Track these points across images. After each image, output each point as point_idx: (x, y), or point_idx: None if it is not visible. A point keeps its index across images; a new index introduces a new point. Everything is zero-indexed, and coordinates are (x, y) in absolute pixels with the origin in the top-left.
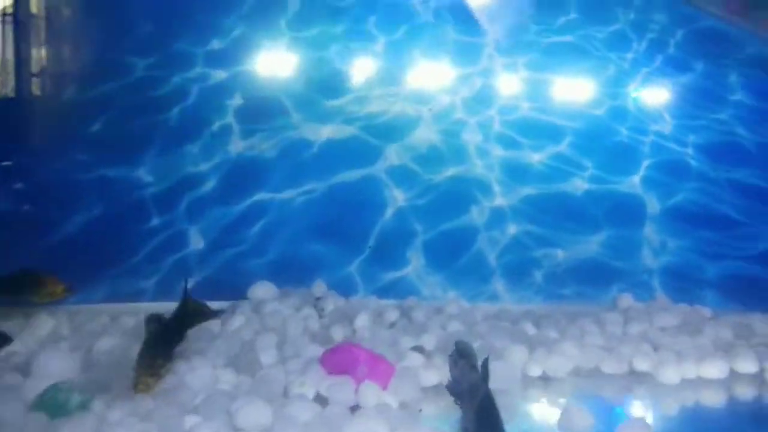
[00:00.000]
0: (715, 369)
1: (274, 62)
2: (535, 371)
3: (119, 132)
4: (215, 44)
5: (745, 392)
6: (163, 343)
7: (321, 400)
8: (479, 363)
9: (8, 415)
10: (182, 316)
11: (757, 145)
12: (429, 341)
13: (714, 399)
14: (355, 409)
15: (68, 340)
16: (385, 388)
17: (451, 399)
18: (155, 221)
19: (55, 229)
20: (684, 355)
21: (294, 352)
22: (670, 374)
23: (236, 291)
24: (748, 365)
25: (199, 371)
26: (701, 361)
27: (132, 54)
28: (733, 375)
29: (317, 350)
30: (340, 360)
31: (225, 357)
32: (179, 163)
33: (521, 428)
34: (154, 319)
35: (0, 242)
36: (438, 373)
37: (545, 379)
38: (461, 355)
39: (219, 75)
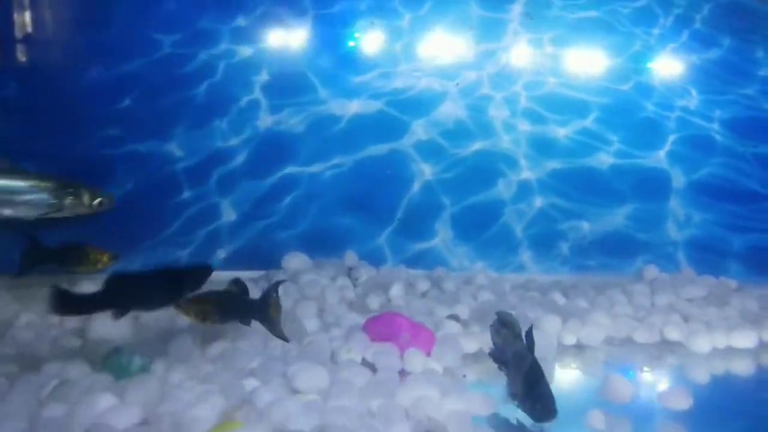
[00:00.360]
0: (744, 339)
1: (298, 39)
2: (570, 340)
3: (149, 108)
4: (240, 21)
5: None
6: (227, 305)
7: (368, 365)
8: (522, 332)
9: (74, 373)
10: (258, 304)
11: None
12: (462, 311)
13: (744, 368)
14: (402, 374)
15: None
16: (428, 354)
17: (493, 366)
18: (187, 194)
19: None
20: (713, 326)
21: (334, 320)
22: (701, 343)
23: (268, 262)
24: None
25: (250, 337)
26: (731, 331)
27: (158, 31)
28: (762, 345)
29: (357, 318)
30: (383, 328)
31: None
32: (209, 138)
33: (565, 395)
34: (239, 284)
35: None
36: (476, 341)
37: (580, 347)
38: (503, 324)
39: (245, 51)
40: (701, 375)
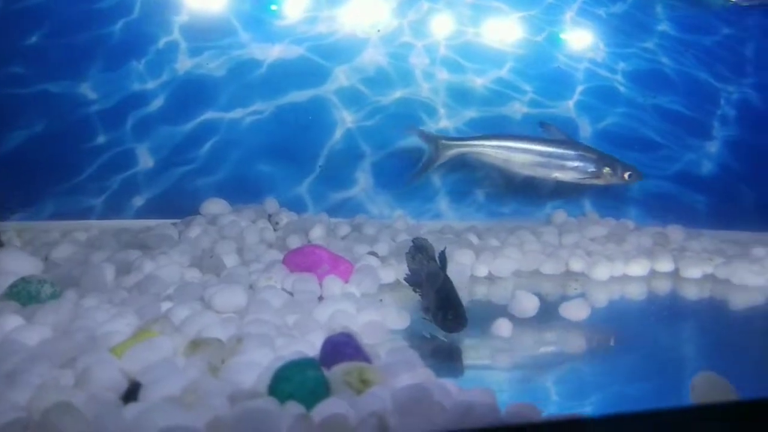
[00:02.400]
0: (638, 267)
1: None
2: (482, 272)
3: (59, 46)
4: None
5: (664, 286)
6: None
7: (287, 293)
8: (435, 255)
9: None
10: None
11: (677, 73)
12: (381, 249)
13: (638, 292)
14: (320, 299)
15: (23, 250)
16: (346, 282)
17: (410, 294)
18: (101, 139)
19: None
20: (612, 258)
21: (254, 257)
22: (601, 272)
23: (187, 209)
24: (665, 265)
25: (166, 268)
26: (627, 262)
27: None
28: (653, 273)
29: (277, 255)
30: (303, 259)
31: (189, 258)
32: (125, 80)
33: (477, 313)
34: None
35: None
36: (393, 272)
37: (490, 279)
38: (418, 250)
39: None
40: (601, 297)
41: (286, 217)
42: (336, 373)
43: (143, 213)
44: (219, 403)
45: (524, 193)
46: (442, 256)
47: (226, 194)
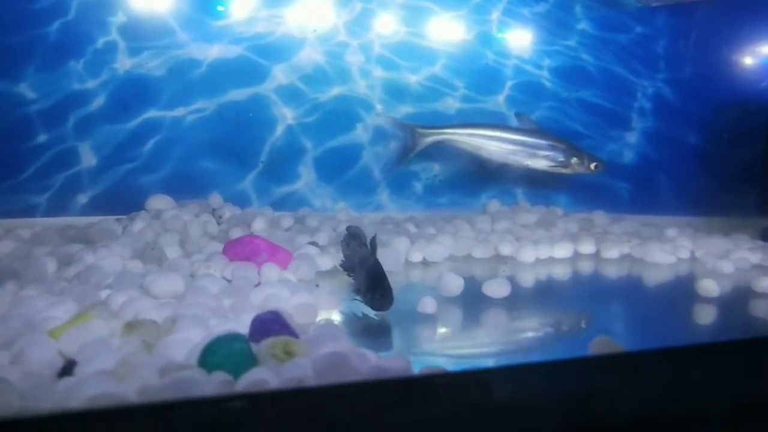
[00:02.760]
0: (563, 250)
1: None
2: (417, 257)
3: None
4: None
5: (586, 267)
6: None
7: (225, 280)
8: (367, 241)
9: None
10: None
11: (597, 69)
12: (322, 239)
13: (562, 272)
14: (258, 285)
15: None
16: (284, 269)
17: (345, 278)
18: (42, 138)
19: None
20: (539, 242)
21: (197, 249)
22: (528, 255)
23: (132, 205)
24: (588, 247)
25: (107, 259)
26: (553, 245)
27: None
28: (577, 255)
29: (218, 247)
30: (241, 249)
31: (131, 250)
32: (64, 80)
33: (406, 294)
34: None
35: None
36: (332, 260)
37: (425, 264)
38: (352, 237)
39: None
40: (527, 278)
41: (229, 211)
42: (263, 346)
43: (88, 210)
44: (149, 374)
45: (460, 183)
46: (373, 242)
47: (170, 191)
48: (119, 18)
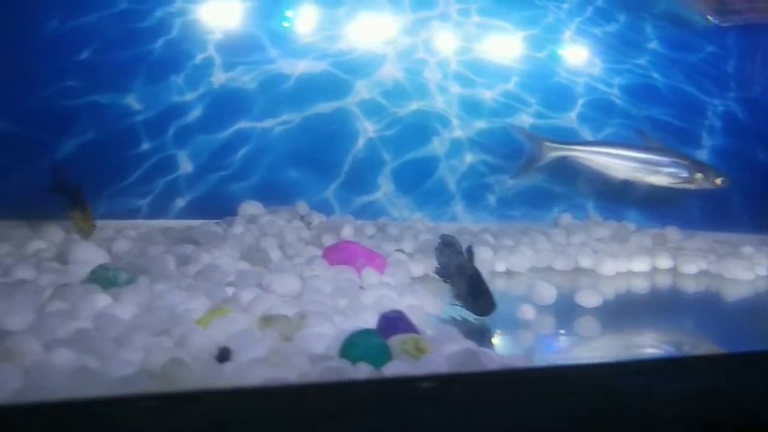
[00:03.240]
0: (641, 264)
1: (251, 1)
2: (500, 267)
3: (107, 61)
4: None
5: (665, 281)
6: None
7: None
8: (462, 249)
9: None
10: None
11: (667, 88)
12: (407, 246)
13: (641, 286)
14: (362, 288)
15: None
16: (381, 273)
17: (436, 283)
18: (146, 146)
19: (53, 151)
20: (617, 255)
21: (295, 252)
22: (608, 268)
23: (225, 210)
24: (665, 262)
25: (222, 259)
26: (631, 259)
27: None
28: (654, 269)
29: (315, 251)
30: (340, 254)
31: (238, 252)
32: (165, 93)
33: (500, 301)
34: None
35: (2, 163)
36: (422, 266)
37: (509, 274)
38: (446, 245)
39: (199, 10)
40: (608, 290)
41: (317, 218)
42: (394, 342)
43: (185, 213)
44: (301, 362)
45: (532, 196)
46: (469, 250)
47: (259, 197)
48: (216, 35)
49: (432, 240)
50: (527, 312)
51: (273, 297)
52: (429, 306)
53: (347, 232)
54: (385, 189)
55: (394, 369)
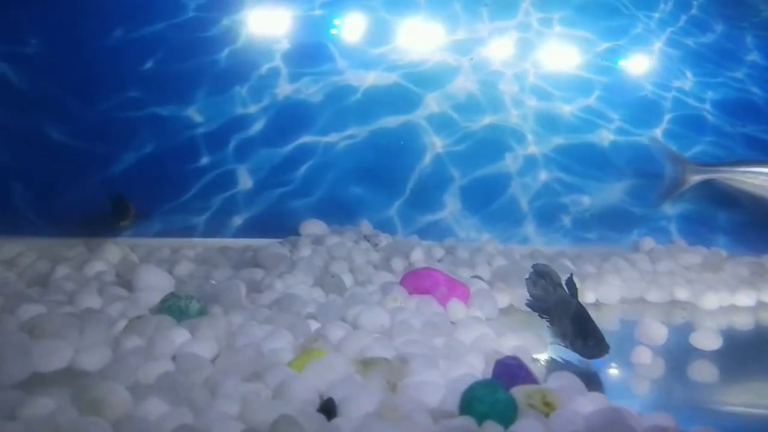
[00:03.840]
0: (745, 297)
1: (319, 9)
2: (590, 298)
3: (170, 71)
4: None
5: None
6: None
7: None
8: (561, 281)
9: (134, 314)
10: None
11: (766, 102)
12: (483, 272)
13: (748, 322)
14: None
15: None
16: (466, 304)
17: (522, 316)
18: (205, 160)
19: (109, 165)
20: (715, 287)
21: (366, 278)
22: (710, 301)
23: (284, 229)
24: None
25: (296, 287)
26: (734, 292)
27: None
28: (760, 303)
29: (387, 276)
30: (420, 282)
31: (311, 278)
32: (228, 104)
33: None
34: None
35: (58, 176)
36: (507, 296)
37: (598, 305)
38: (540, 275)
39: (266, 19)
40: (711, 328)
41: (384, 239)
42: (517, 394)
43: (242, 232)
44: (423, 420)
45: (610, 217)
46: (571, 283)
47: (320, 215)
48: (283, 45)
49: (507, 265)
50: (643, 355)
51: (364, 334)
52: (532, 346)
53: (417, 256)
54: (451, 208)
55: (525, 428)
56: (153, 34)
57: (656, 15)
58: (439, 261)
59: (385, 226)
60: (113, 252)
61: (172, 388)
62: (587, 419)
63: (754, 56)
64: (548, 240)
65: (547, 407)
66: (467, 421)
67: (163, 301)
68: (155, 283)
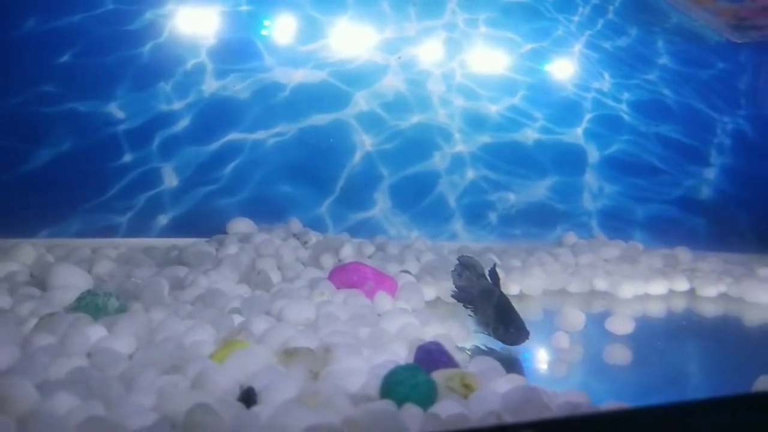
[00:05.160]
0: (658, 287)
1: (247, 5)
2: (514, 290)
3: (89, 66)
4: None
5: (685, 304)
6: None
7: None
8: (485, 272)
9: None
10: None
11: (677, 104)
12: (412, 267)
13: (659, 309)
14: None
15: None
16: (393, 297)
17: (449, 307)
18: (128, 158)
19: (23, 162)
20: (632, 278)
21: (295, 275)
22: (626, 290)
23: (211, 228)
24: (681, 285)
25: (221, 283)
26: (647, 281)
27: None
28: (671, 292)
29: (316, 272)
30: (348, 276)
31: (237, 275)
32: (152, 100)
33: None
34: None
35: None
36: (434, 289)
37: (522, 297)
38: (465, 267)
39: (192, 14)
40: (625, 315)
41: (313, 237)
42: (438, 378)
43: (168, 232)
44: (342, 404)
45: (535, 214)
46: (494, 273)
47: (249, 213)
48: (210, 40)
49: (436, 260)
50: (561, 340)
51: (288, 326)
52: (455, 335)
53: (347, 252)
54: (381, 205)
55: (445, 410)
56: (70, 26)
57: (576, 18)
58: (369, 257)
59: (316, 225)
60: (28, 252)
61: (83, 382)
62: (504, 398)
63: (665, 60)
64: (476, 236)
65: (466, 389)
66: (386, 404)
67: (79, 299)
68: (71, 282)
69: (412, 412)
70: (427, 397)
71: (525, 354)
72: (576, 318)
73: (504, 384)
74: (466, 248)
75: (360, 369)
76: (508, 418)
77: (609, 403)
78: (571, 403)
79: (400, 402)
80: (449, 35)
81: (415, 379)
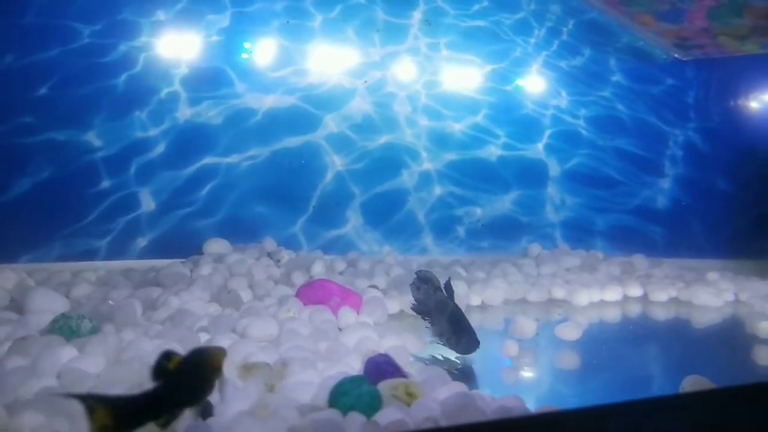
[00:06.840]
0: (613, 293)
1: (217, 34)
2: (476, 301)
3: (66, 97)
4: (160, 16)
5: (637, 309)
6: None
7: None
8: (440, 285)
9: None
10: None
11: (631, 119)
12: (380, 282)
13: (614, 315)
14: (340, 329)
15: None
16: (358, 312)
17: (412, 320)
18: (105, 184)
19: (5, 191)
20: (589, 285)
21: (265, 292)
22: (582, 298)
23: (189, 249)
24: (635, 291)
25: (192, 303)
26: (603, 289)
27: (77, 20)
28: (626, 298)
29: (286, 290)
30: (315, 293)
31: (208, 294)
32: (128, 129)
33: (481, 337)
34: None
35: None
36: (397, 303)
37: (483, 307)
38: (423, 281)
39: (165, 45)
40: (582, 321)
41: (286, 255)
42: (384, 388)
43: (147, 254)
44: (290, 415)
45: (500, 227)
46: (448, 286)
47: (225, 234)
48: (182, 70)
49: (404, 274)
50: (510, 349)
51: (250, 343)
52: (411, 346)
53: (318, 269)
54: (353, 223)
55: (386, 417)
56: (47, 60)
57: (532, 40)
58: (341, 273)
59: (290, 243)
60: (8, 277)
61: (49, 401)
62: (443, 404)
63: (618, 77)
64: (445, 250)
65: (409, 397)
66: (332, 413)
67: (54, 321)
68: (47, 306)
69: (354, 420)
70: (370, 405)
71: (475, 361)
72: (527, 326)
73: (446, 391)
74: (435, 262)
75: (313, 382)
76: (443, 423)
77: (542, 407)
78: (504, 407)
79: (345, 411)
80: (413, 59)
81: (359, 390)
